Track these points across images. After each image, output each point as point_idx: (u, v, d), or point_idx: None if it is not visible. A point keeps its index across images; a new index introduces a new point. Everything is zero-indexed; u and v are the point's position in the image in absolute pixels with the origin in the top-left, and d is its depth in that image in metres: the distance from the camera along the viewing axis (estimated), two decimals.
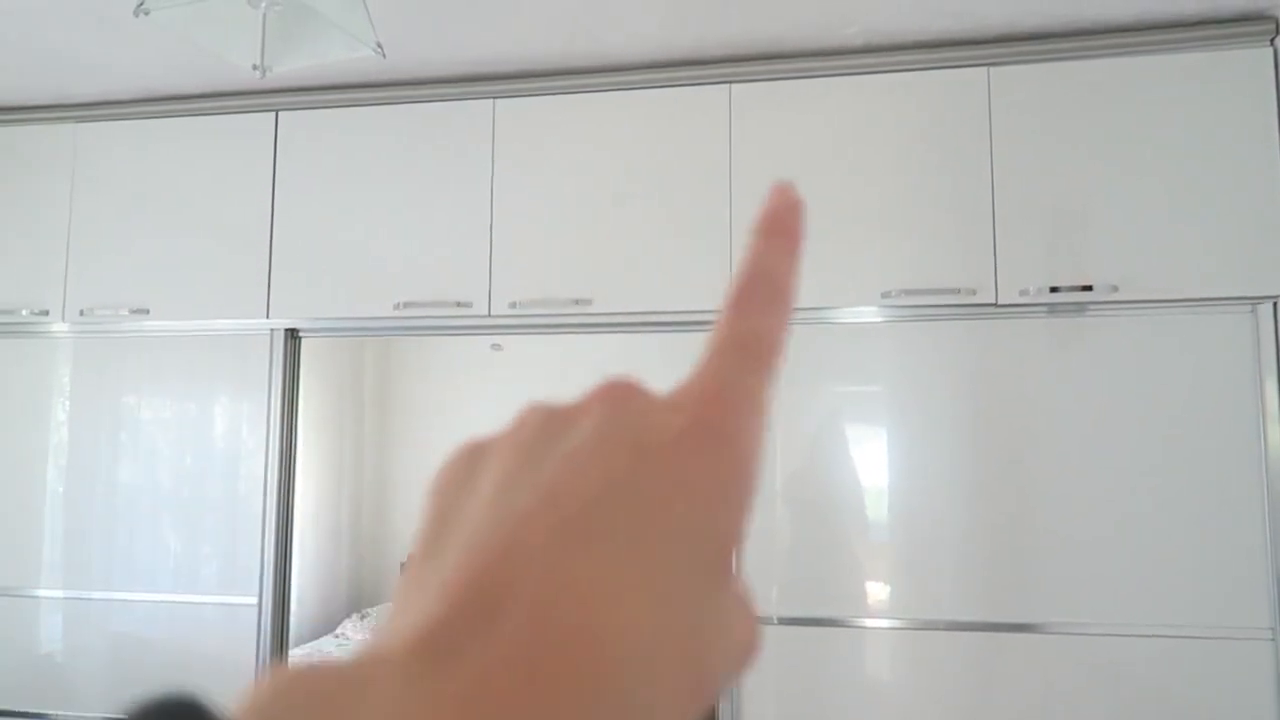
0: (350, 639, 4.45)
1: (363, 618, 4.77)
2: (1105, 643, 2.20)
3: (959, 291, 2.28)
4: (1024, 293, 2.25)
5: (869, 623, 2.31)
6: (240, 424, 2.68)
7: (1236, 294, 2.19)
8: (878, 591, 2.32)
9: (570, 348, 5.27)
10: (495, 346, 5.30)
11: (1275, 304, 2.17)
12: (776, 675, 2.32)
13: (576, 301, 2.47)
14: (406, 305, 2.54)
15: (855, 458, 2.37)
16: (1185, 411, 2.22)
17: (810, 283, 2.35)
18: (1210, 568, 2.18)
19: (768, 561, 2.35)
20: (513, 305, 2.50)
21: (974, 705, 2.24)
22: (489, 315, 2.52)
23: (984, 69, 2.35)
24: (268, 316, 2.65)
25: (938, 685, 2.26)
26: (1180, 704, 2.16)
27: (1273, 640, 2.12)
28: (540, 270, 2.51)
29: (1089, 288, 2.24)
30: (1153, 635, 2.18)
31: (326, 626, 4.95)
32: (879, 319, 2.37)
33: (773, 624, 2.33)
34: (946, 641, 2.27)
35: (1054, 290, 2.25)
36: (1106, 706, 2.19)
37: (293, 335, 2.69)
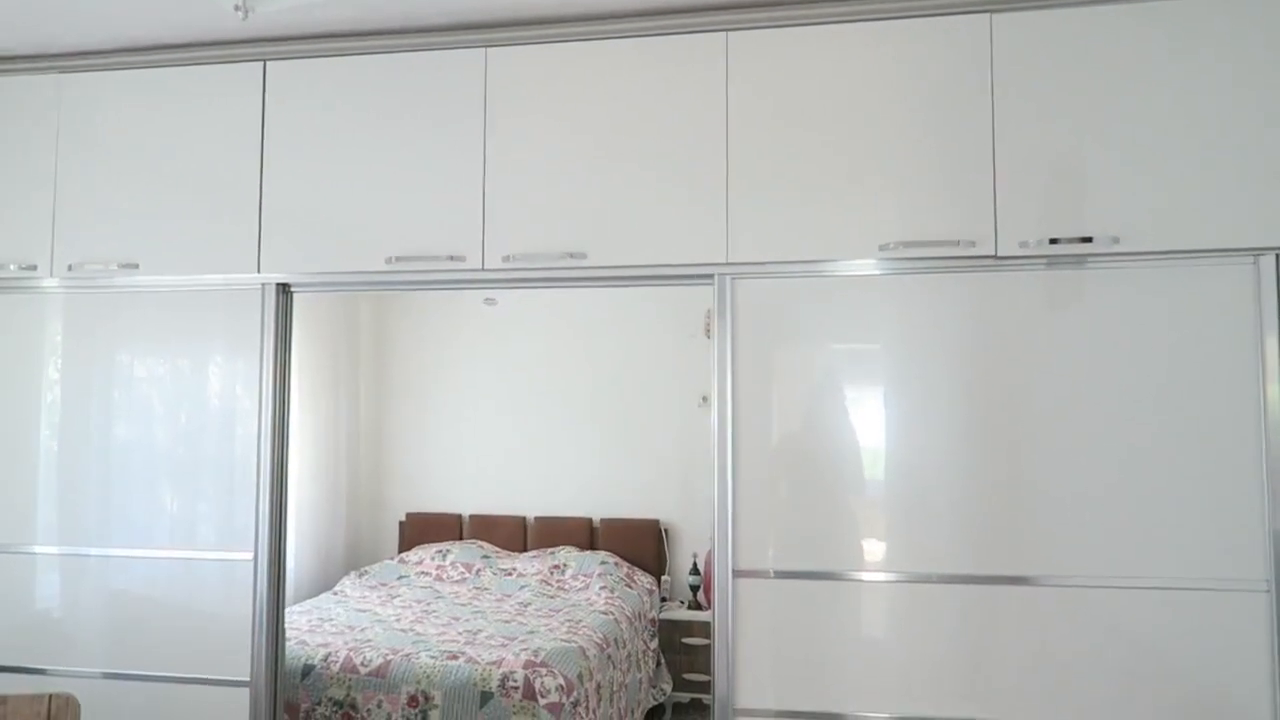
0: (349, 596, 4.48)
1: (360, 575, 4.81)
2: (1101, 595, 2.20)
3: (958, 244, 2.25)
4: (1024, 245, 2.23)
5: (866, 576, 2.31)
6: (234, 380, 2.66)
7: (1238, 245, 2.16)
8: (874, 545, 2.32)
9: (564, 301, 5.26)
10: (489, 301, 5.29)
11: (1277, 255, 2.14)
12: (774, 628, 2.32)
13: (571, 255, 2.44)
14: (398, 259, 2.51)
15: (852, 413, 2.35)
16: (1184, 365, 2.20)
17: (807, 235, 2.34)
18: (1206, 521, 2.17)
19: (764, 516, 2.34)
20: (506, 259, 2.47)
21: (969, 657, 2.25)
22: (482, 269, 2.49)
23: (986, 15, 2.30)
24: (259, 271, 2.62)
25: (933, 637, 2.27)
26: (1175, 656, 2.17)
27: (1268, 592, 2.12)
28: (534, 223, 2.48)
29: (1089, 239, 2.21)
30: (1148, 588, 2.19)
31: (325, 583, 4.99)
32: (876, 272, 2.34)
33: (769, 577, 2.33)
34: (942, 594, 2.27)
35: (1054, 242, 2.22)
36: (1101, 658, 2.20)
37: (284, 290, 2.66)
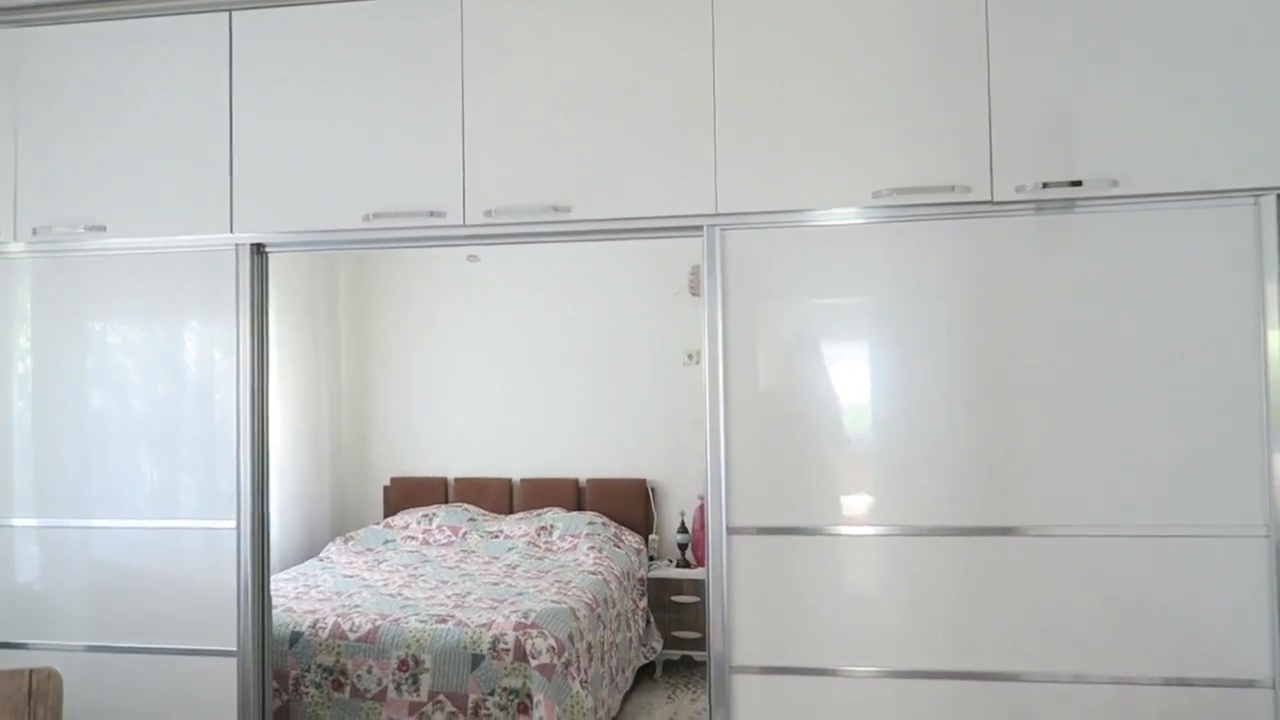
0: (335, 562, 4.44)
1: (346, 541, 4.77)
2: (1095, 544, 2.19)
3: (953, 189, 2.19)
4: (1020, 189, 2.17)
5: (857, 530, 2.28)
6: (211, 345, 2.58)
7: (1239, 186, 2.12)
8: (866, 500, 2.29)
9: (548, 260, 5.18)
10: (472, 258, 5.19)
11: (1278, 196, 2.10)
12: (767, 584, 2.30)
13: (555, 208, 2.36)
14: (376, 216, 2.43)
15: (842, 366, 2.31)
16: (1183, 310, 2.16)
17: (799, 183, 2.27)
18: (1204, 467, 2.15)
19: (757, 473, 2.30)
20: (488, 214, 2.39)
21: (962, 609, 2.24)
22: (463, 225, 2.41)
23: None
24: (231, 231, 2.53)
25: (927, 590, 2.25)
26: (1172, 603, 2.16)
27: (1267, 537, 2.11)
28: (516, 176, 2.40)
29: (1078, 183, 2.16)
30: (1144, 535, 2.17)
31: (311, 550, 4.95)
32: (869, 220, 2.28)
33: (762, 534, 2.30)
34: (936, 547, 2.24)
35: (1049, 186, 2.16)
36: (1096, 607, 2.19)
37: (259, 250, 2.57)
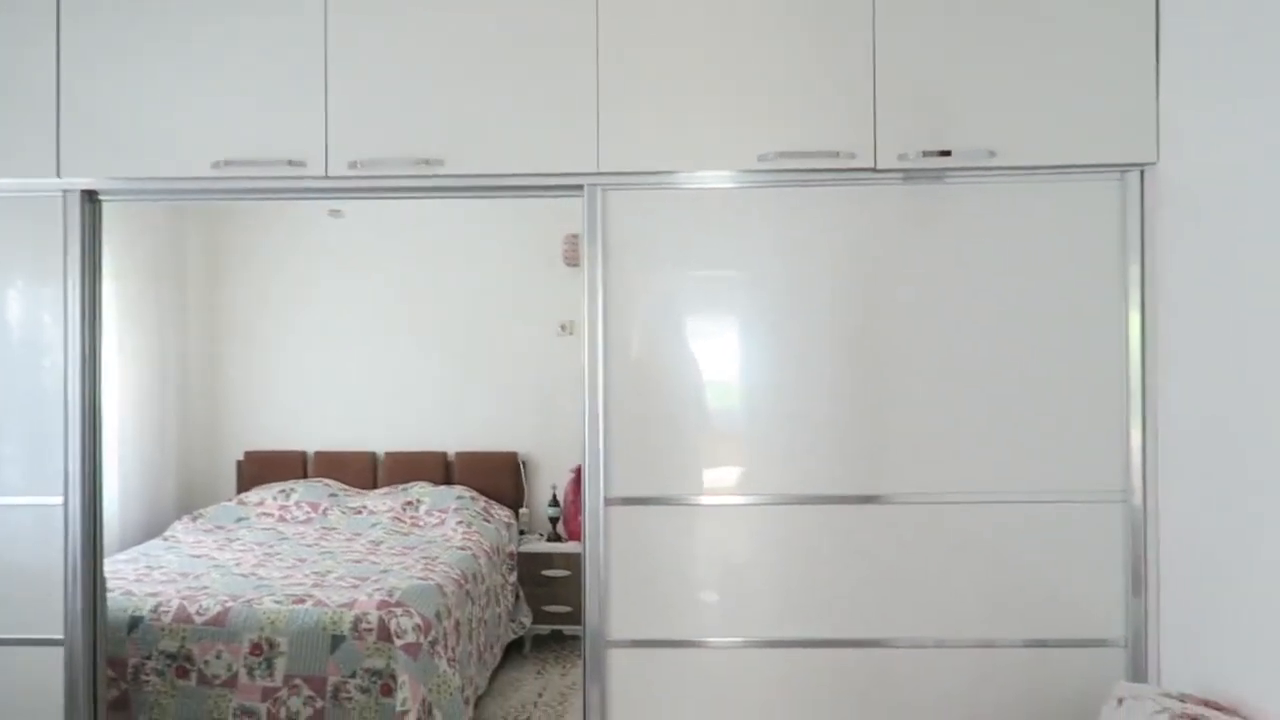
0: (181, 541, 4.15)
1: (194, 518, 4.46)
2: (959, 510, 2.23)
3: (837, 155, 2.17)
4: (902, 157, 2.17)
5: (728, 500, 2.26)
6: (39, 305, 2.32)
7: (1106, 161, 2.17)
8: (739, 468, 2.26)
9: (418, 224, 4.96)
10: (334, 213, 4.92)
11: (1143, 172, 2.16)
12: (645, 556, 2.24)
13: (426, 161, 2.22)
14: (228, 164, 2.22)
15: (720, 334, 2.28)
16: (1050, 282, 2.22)
17: (684, 144, 2.20)
18: (1067, 437, 2.22)
19: (635, 443, 2.24)
20: (353, 165, 2.22)
21: (831, 577, 2.24)
22: (325, 176, 2.24)
23: None
24: (58, 175, 2.27)
25: (797, 558, 2.25)
26: (1033, 567, 2.23)
27: (1123, 502, 2.19)
28: (384, 126, 2.24)
29: (949, 153, 2.16)
30: (1007, 501, 2.22)
31: (155, 529, 4.61)
32: (752, 184, 2.24)
33: (639, 504, 2.24)
34: (805, 516, 2.24)
35: (929, 155, 2.17)
36: (961, 572, 2.23)
37: (91, 198, 2.32)
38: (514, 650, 4.43)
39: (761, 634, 2.24)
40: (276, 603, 3.18)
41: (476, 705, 3.70)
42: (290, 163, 2.22)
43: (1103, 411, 2.20)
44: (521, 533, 4.74)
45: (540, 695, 3.95)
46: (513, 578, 4.44)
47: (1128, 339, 2.19)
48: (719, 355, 2.27)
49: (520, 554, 4.53)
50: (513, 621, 4.35)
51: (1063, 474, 2.21)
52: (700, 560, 2.26)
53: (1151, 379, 2.15)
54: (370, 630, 3.07)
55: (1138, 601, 2.17)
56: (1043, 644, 2.21)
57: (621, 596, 2.24)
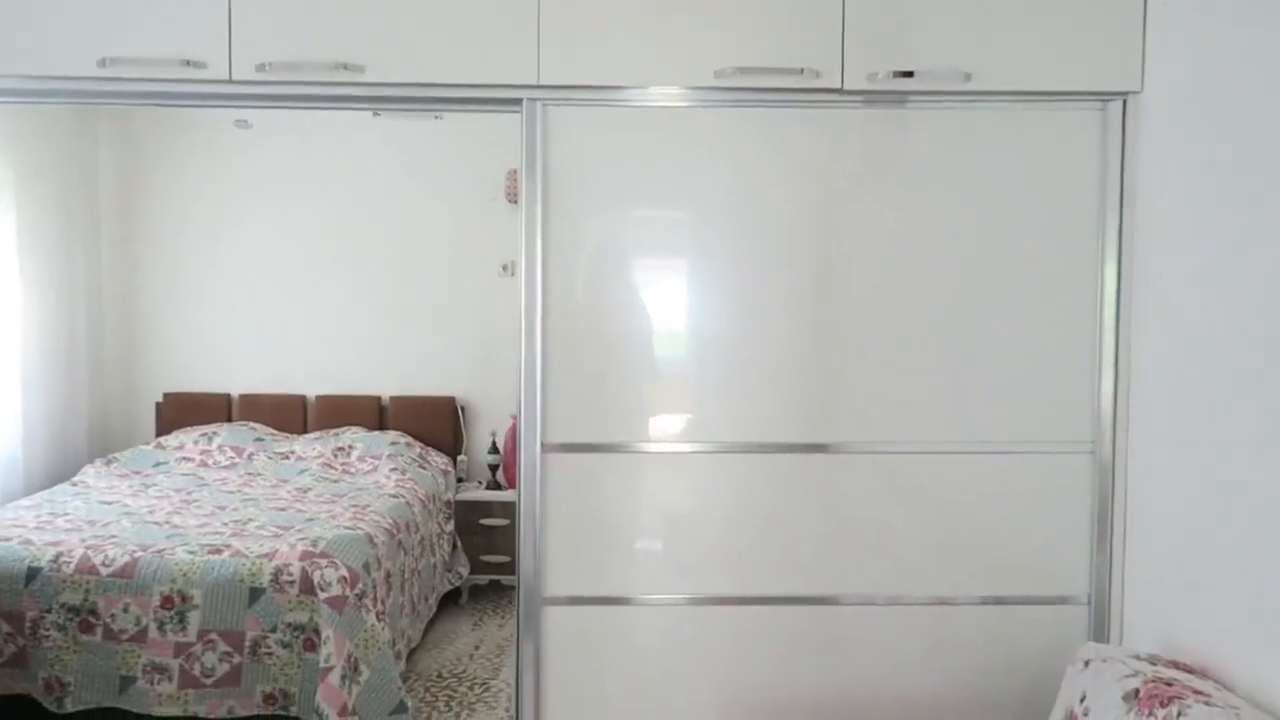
0: (92, 487, 3.88)
1: (108, 463, 4.19)
2: (921, 460, 2.10)
3: (801, 72, 1.98)
4: (872, 77, 1.98)
5: (673, 447, 2.10)
6: None
7: (1088, 89, 2.01)
8: (686, 415, 2.11)
9: (355, 157, 4.66)
10: (241, 123, 4.59)
11: (1125, 101, 2.01)
12: (583, 507, 2.08)
13: (345, 66, 1.97)
14: (114, 62, 1.95)
15: (669, 272, 2.10)
16: (1023, 220, 2.07)
17: (635, 54, 1.98)
18: (1034, 384, 2.09)
19: (574, 387, 2.06)
20: (261, 68, 1.97)
21: (779, 530, 2.10)
22: (229, 81, 1.98)
23: None
24: None
25: (744, 509, 2.10)
26: (996, 520, 2.11)
27: (1091, 454, 2.08)
28: (298, 25, 1.98)
29: (910, 74, 1.98)
30: (969, 452, 2.10)
31: (64, 474, 4.33)
32: (708, 102, 2.04)
33: (577, 452, 2.07)
34: (754, 465, 2.09)
35: (900, 76, 1.99)
36: (920, 524, 2.11)
37: None
38: (450, 601, 4.28)
39: (707, 591, 2.10)
40: (190, 553, 2.97)
41: (409, 658, 3.55)
42: (188, 63, 1.96)
43: (1072, 358, 2.07)
44: (459, 480, 4.56)
45: (477, 648, 3.81)
46: (450, 526, 4.27)
47: (1102, 280, 2.05)
48: (667, 296, 2.10)
49: (458, 502, 4.35)
50: (449, 571, 4.19)
51: (1028, 424, 2.08)
52: (643, 512, 2.10)
53: (1126, 324, 2.03)
54: (292, 582, 2.88)
55: (1102, 557, 2.07)
56: (1002, 601, 2.10)
57: (558, 550, 2.07)
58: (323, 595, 2.86)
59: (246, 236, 4.63)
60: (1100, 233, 2.05)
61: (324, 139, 4.54)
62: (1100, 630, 2.06)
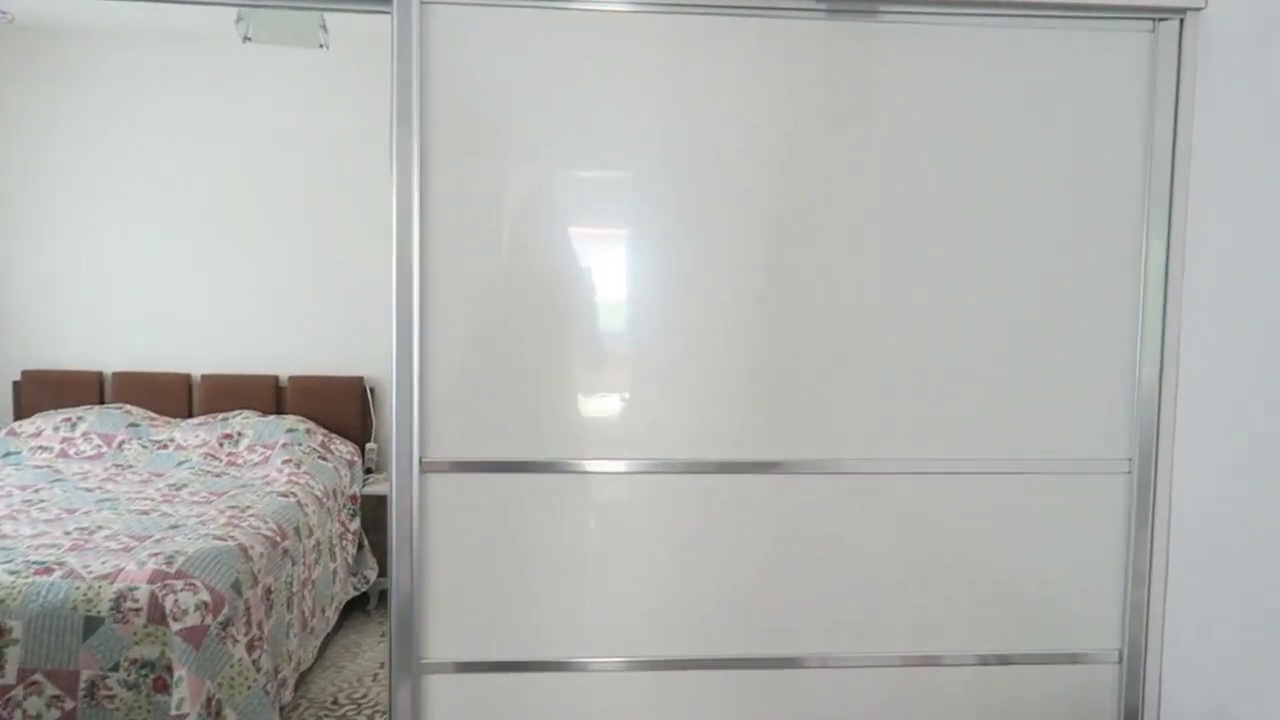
0: None
1: None
2: (909, 483, 1.66)
3: None
4: None
5: (587, 466, 1.62)
6: None
7: (1135, 2, 1.56)
8: (607, 424, 1.63)
9: (248, 99, 4.05)
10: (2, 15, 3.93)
11: (1183, 20, 1.56)
12: (477, 542, 1.59)
13: None
14: None
15: (593, 244, 1.61)
16: (1044, 173, 1.62)
17: None
18: (1055, 387, 1.66)
19: (465, 390, 1.57)
20: None
21: (736, 570, 1.64)
22: None
23: None
24: None
25: (690, 545, 1.64)
26: (1006, 554, 1.67)
27: (1128, 473, 1.65)
28: None
29: None
30: (974, 472, 1.66)
31: None
32: (648, 7, 1.55)
33: (457, 471, 1.58)
34: (704, 489, 1.63)
35: None
36: (904, 562, 1.66)
37: None
38: (356, 608, 3.79)
39: (643, 652, 1.64)
40: (12, 573, 2.43)
41: (300, 682, 3.06)
42: None
43: (1105, 351, 1.64)
44: (368, 471, 4.04)
45: (383, 665, 3.32)
46: (355, 525, 3.76)
47: (1145, 253, 1.61)
48: (590, 272, 1.62)
49: (365, 496, 3.84)
50: (354, 576, 3.69)
51: (1048, 435, 1.65)
52: (555, 551, 1.63)
53: (1174, 309, 1.59)
54: (138, 610, 2.36)
55: (1139, 603, 1.65)
56: (1007, 660, 1.68)
57: (444, 601, 1.59)
58: (176, 626, 2.36)
59: (117, 187, 4.01)
60: (1144, 193, 1.61)
61: (195, 73, 3.93)
62: (1133, 696, 1.65)
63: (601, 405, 1.62)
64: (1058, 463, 1.64)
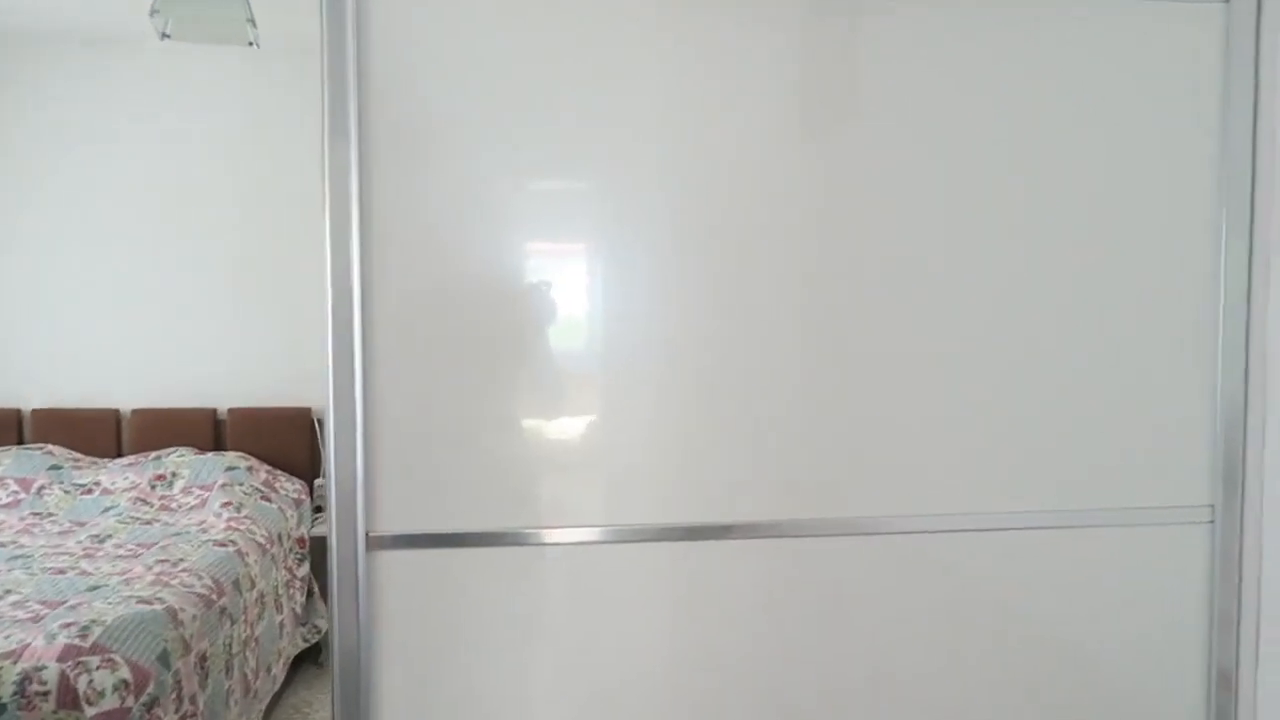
0: None
1: None
2: (955, 544, 1.40)
3: None
4: None
5: (567, 537, 1.35)
6: None
7: None
8: (592, 485, 1.36)
9: (179, 106, 3.76)
10: None
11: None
12: (441, 636, 1.31)
13: None
14: None
15: (568, 262, 1.34)
16: (1102, 169, 1.38)
17: None
18: (1122, 425, 1.42)
19: (423, 446, 1.29)
20: None
21: (739, 670, 1.38)
22: None
23: None
24: None
25: (687, 640, 1.37)
26: (1061, 626, 1.42)
27: (1211, 524, 1.41)
28: None
29: None
30: (1030, 527, 1.41)
31: None
32: None
33: (389, 548, 1.29)
34: (718, 559, 1.37)
35: None
36: (951, 639, 1.41)
37: None
38: (307, 660, 3.47)
39: None
40: None
41: None
42: None
43: (1177, 383, 1.41)
44: (318, 510, 3.72)
45: None
46: (303, 570, 3.44)
47: (1223, 265, 1.39)
48: (566, 299, 1.34)
49: (314, 539, 3.52)
50: (302, 626, 3.37)
51: (1111, 484, 1.42)
52: (537, 647, 1.35)
53: (1258, 327, 1.37)
54: (46, 693, 2.05)
55: (1226, 682, 1.41)
56: None
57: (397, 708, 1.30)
58: (91, 710, 2.05)
59: (34, 203, 3.66)
60: (1219, 189, 1.38)
61: (113, 79, 3.60)
62: None
63: (583, 461, 1.35)
64: (1124, 514, 1.40)
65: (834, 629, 1.38)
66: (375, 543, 1.26)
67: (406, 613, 1.28)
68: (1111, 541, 1.41)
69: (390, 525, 1.28)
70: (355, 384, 1.24)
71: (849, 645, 1.39)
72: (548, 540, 1.32)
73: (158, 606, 2.39)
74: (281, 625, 3.13)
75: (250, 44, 2.38)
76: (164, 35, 2.25)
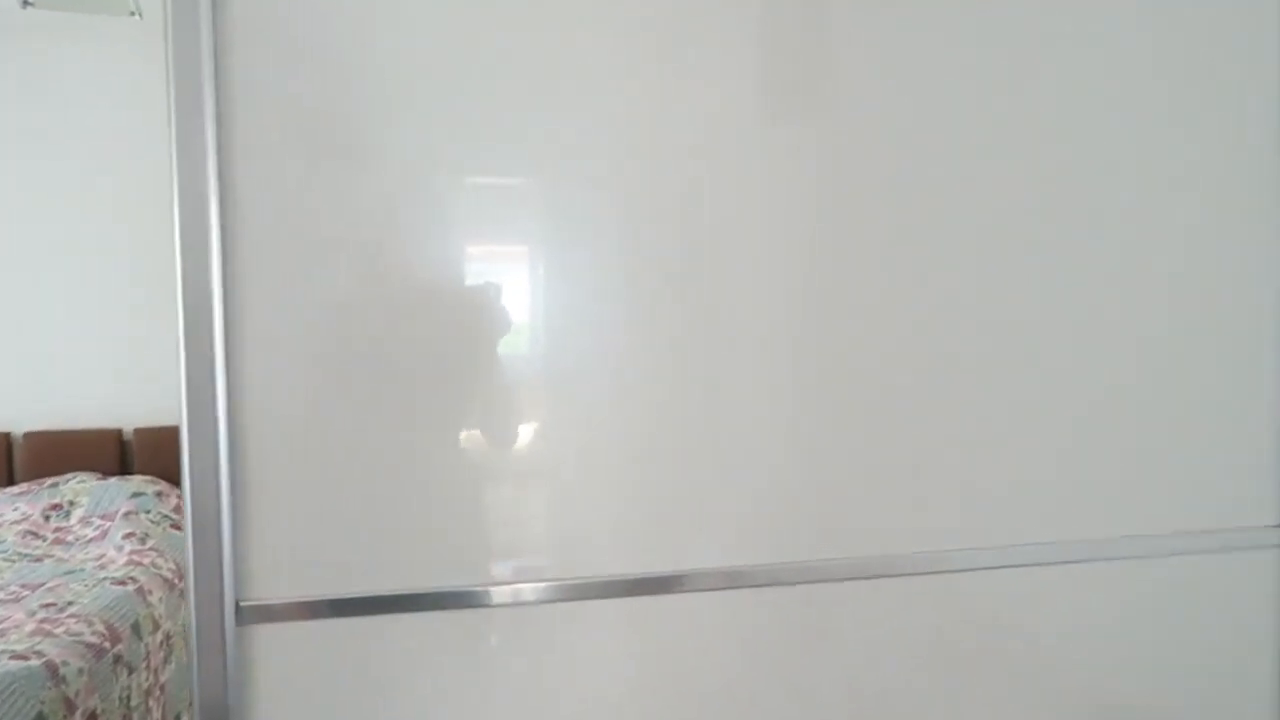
0: None
1: None
2: (983, 583, 1.17)
3: None
4: None
5: (508, 595, 1.10)
6: None
7: None
8: (531, 529, 1.11)
9: (87, 88, 3.41)
10: None
11: None
12: (335, 677, 1.05)
13: None
14: None
15: (505, 269, 1.09)
16: (1173, 141, 1.17)
17: None
18: (1178, 440, 1.21)
19: (309, 489, 1.03)
20: None
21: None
22: None
23: None
24: None
25: (643, 672, 1.13)
26: (1116, 672, 1.21)
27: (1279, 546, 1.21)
28: None
29: None
30: (1065, 561, 1.20)
31: None
32: None
33: (266, 622, 1.03)
34: (676, 618, 1.13)
35: None
36: (1011, 677, 1.19)
37: None
38: None
39: None
40: None
41: None
42: None
43: (1241, 391, 1.20)
44: None
45: None
46: None
47: None
48: (494, 308, 1.09)
49: None
50: None
51: (1167, 506, 1.20)
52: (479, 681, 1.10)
53: None
54: None
55: None
56: None
57: None
58: None
59: None
60: None
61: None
62: None
63: (523, 502, 1.10)
64: (1183, 539, 1.19)
65: (830, 687, 1.16)
66: (249, 614, 1.00)
67: (292, 705, 1.02)
68: (1167, 572, 1.20)
69: (269, 591, 1.01)
70: (218, 410, 0.98)
71: (849, 707, 1.16)
72: (488, 601, 1.06)
73: (35, 662, 2.08)
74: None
75: (132, 13, 2.07)
76: (26, 3, 1.94)
